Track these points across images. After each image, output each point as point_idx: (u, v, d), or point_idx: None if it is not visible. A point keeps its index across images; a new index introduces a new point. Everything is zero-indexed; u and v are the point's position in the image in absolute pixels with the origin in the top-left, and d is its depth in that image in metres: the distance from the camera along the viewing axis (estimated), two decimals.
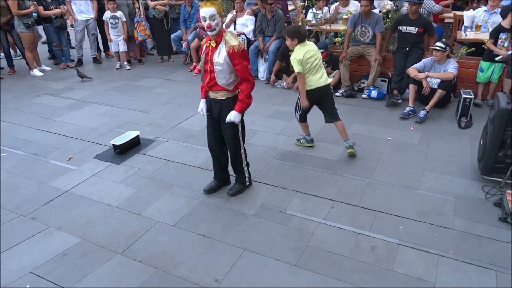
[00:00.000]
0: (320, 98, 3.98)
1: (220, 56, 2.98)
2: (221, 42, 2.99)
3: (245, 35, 6.74)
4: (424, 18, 5.64)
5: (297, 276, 2.66)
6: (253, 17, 6.81)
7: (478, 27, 6.11)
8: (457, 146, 4.30)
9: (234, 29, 6.77)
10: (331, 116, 4.07)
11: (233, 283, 2.61)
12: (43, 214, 3.37)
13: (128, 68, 7.58)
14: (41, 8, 7.11)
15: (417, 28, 5.44)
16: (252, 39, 6.81)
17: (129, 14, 7.44)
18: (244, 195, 3.55)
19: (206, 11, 2.87)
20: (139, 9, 7.62)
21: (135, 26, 7.48)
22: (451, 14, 7.03)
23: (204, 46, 3.09)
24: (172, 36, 7.62)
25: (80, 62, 7.89)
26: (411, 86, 5.16)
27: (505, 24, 5.04)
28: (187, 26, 7.36)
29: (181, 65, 7.71)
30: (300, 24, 6.59)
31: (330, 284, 2.58)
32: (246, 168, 3.52)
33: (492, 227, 3.05)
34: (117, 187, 3.72)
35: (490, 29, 5.75)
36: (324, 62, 6.01)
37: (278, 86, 6.34)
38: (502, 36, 5.06)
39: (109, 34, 7.41)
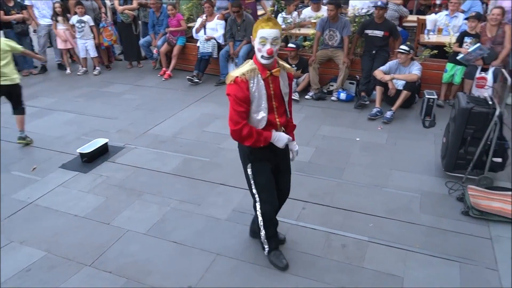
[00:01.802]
0: (9, 92, 4.44)
1: (285, 85, 2.47)
2: (278, 68, 2.42)
3: (215, 39, 6.73)
4: (390, 22, 5.82)
5: (271, 278, 2.67)
6: (223, 22, 6.82)
7: (440, 31, 6.37)
8: (422, 145, 4.46)
9: (205, 33, 6.76)
10: (15, 111, 4.59)
11: None
12: (4, 228, 3.22)
13: (95, 73, 7.40)
14: (1, 12, 6.84)
15: (383, 32, 5.61)
16: (223, 43, 6.81)
17: (94, 19, 7.27)
18: (217, 199, 3.54)
19: (270, 32, 2.24)
20: (105, 14, 7.47)
21: (100, 31, 7.32)
22: (415, 18, 7.29)
23: (257, 80, 2.34)
24: (141, 41, 7.51)
25: (44, 68, 7.63)
26: (378, 88, 5.31)
27: (470, 29, 5.31)
28: (156, 32, 7.27)
29: (150, 71, 7.60)
30: None
31: (303, 284, 2.61)
32: None
33: (456, 221, 3.18)
34: (85, 197, 3.62)
35: (451, 32, 6.01)
36: (294, 65, 6.14)
37: None
38: (467, 40, 5.31)
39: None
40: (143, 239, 3.07)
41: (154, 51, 7.36)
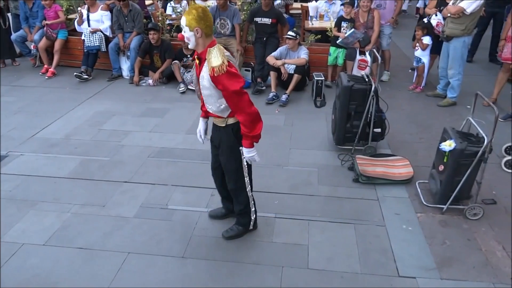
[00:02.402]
0: None
1: (205, 79, 2.43)
2: (205, 60, 2.41)
3: (102, 32, 6.31)
4: (276, 9, 6.13)
5: (186, 266, 2.70)
6: (108, 13, 6.41)
7: (321, 17, 6.93)
8: (315, 123, 4.85)
9: (88, 25, 6.28)
10: None
11: None
12: None
13: None
14: None
15: (270, 19, 5.88)
16: (110, 36, 6.42)
17: None
18: (122, 197, 3.41)
19: (181, 20, 2.42)
20: None
21: None
22: (299, 6, 7.79)
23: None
24: (13, 36, 6.66)
25: None
26: (272, 73, 5.59)
27: (345, 14, 5.86)
28: (31, 25, 6.52)
29: (30, 69, 6.82)
30: (160, 18, 6.49)
31: (218, 266, 2.70)
32: (253, 209, 2.91)
33: (349, 188, 3.57)
34: None
35: (331, 18, 6.57)
36: (189, 55, 6.10)
37: (144, 84, 6.12)
38: (344, 24, 5.87)
39: None
40: (42, 250, 2.83)
41: (32, 46, 6.61)
